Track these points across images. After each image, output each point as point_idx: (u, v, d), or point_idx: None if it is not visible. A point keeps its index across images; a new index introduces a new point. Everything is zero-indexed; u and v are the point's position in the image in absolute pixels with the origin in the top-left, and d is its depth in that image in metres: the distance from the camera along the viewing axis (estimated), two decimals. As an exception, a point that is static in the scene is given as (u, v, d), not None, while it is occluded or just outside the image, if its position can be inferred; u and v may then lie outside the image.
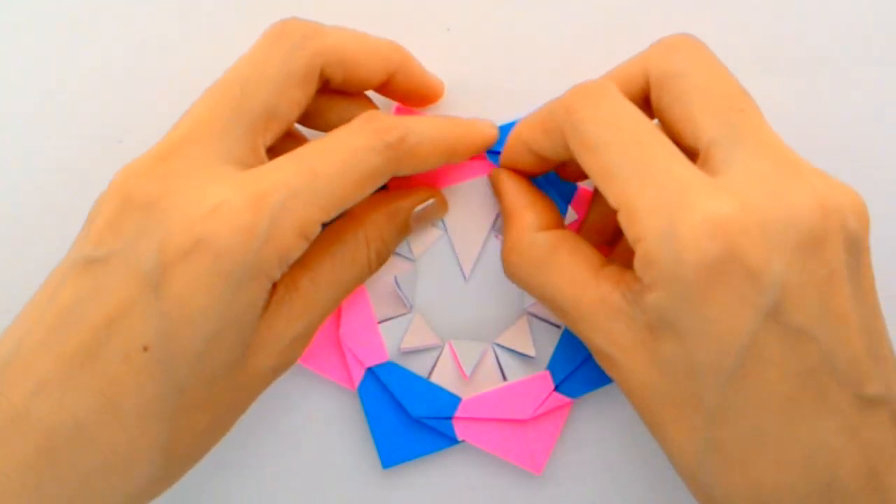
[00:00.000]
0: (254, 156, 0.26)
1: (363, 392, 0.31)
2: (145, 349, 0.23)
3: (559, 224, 0.28)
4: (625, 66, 0.27)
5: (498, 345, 0.31)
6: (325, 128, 0.29)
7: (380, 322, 0.31)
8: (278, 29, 0.26)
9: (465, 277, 0.32)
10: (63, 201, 0.31)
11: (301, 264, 0.26)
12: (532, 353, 0.31)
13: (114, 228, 0.24)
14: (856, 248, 0.23)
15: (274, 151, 0.26)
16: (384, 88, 0.29)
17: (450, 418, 0.31)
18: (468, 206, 0.31)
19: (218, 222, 0.23)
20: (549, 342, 0.31)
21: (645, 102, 0.27)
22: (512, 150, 0.29)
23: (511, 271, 0.28)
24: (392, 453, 0.31)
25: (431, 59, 0.32)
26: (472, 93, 0.32)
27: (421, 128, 0.27)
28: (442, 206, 0.31)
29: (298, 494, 0.31)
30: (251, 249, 0.23)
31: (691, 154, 0.25)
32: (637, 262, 0.24)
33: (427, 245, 0.32)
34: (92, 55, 0.32)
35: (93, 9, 0.32)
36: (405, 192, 0.30)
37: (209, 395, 0.24)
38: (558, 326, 0.31)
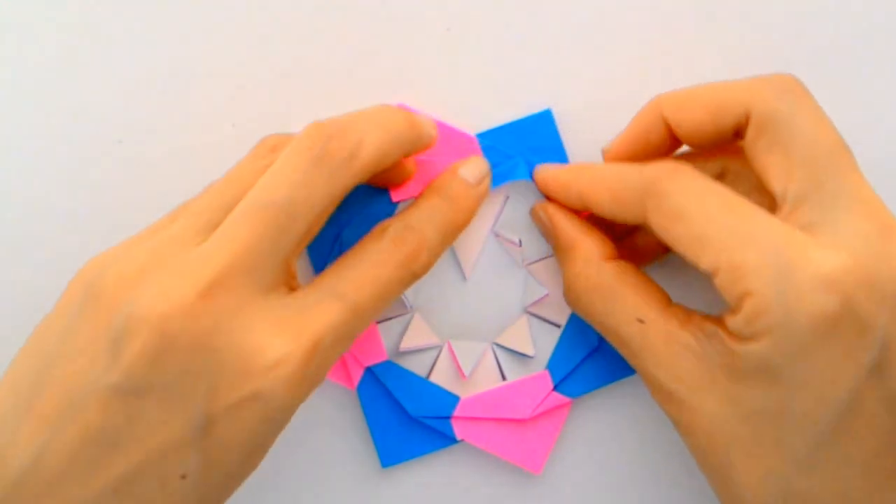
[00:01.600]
0: (289, 273, 0.25)
1: (362, 391, 0.31)
2: (183, 477, 0.23)
3: (616, 254, 0.29)
4: (721, 91, 0.27)
5: (497, 344, 0.31)
6: None
7: (379, 322, 0.31)
8: (320, 145, 0.25)
9: (464, 277, 0.32)
10: (63, 201, 0.31)
11: (338, 295, 0.26)
12: (531, 352, 0.31)
13: (154, 364, 0.23)
14: None
15: None
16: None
17: (449, 418, 0.31)
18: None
19: (275, 377, 0.23)
20: (548, 342, 0.31)
21: (734, 135, 0.27)
22: (570, 202, 0.29)
23: (573, 299, 0.29)
24: (391, 453, 0.31)
25: (431, 58, 0.32)
26: (472, 93, 0.32)
27: (434, 236, 0.27)
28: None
29: (297, 494, 0.31)
30: (300, 395, 0.24)
31: (772, 202, 0.25)
32: (743, 317, 0.24)
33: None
34: (92, 55, 0.32)
35: (93, 8, 0.32)
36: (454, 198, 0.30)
37: (228, 494, 0.25)
38: (558, 326, 0.31)
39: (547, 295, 0.31)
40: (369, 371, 0.31)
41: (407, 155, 0.28)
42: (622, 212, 0.27)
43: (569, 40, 0.32)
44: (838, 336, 0.23)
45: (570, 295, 0.29)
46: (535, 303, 0.31)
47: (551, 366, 0.31)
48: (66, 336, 0.24)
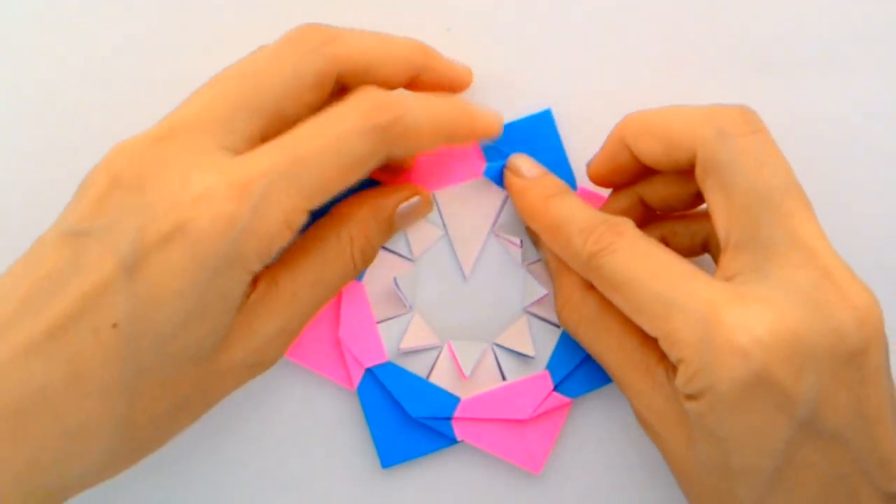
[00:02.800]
0: (249, 146, 0.25)
1: (362, 392, 0.31)
2: (114, 326, 0.23)
3: None
4: (673, 124, 0.26)
5: (497, 345, 0.31)
6: None
7: (379, 322, 0.31)
8: (298, 31, 0.26)
9: (464, 277, 0.32)
10: (63, 201, 0.31)
11: (283, 262, 0.26)
12: (531, 352, 0.31)
13: (100, 205, 0.24)
14: (886, 349, 0.24)
15: None
16: (410, 86, 0.28)
17: (449, 418, 0.31)
18: (468, 206, 0.31)
19: (199, 209, 0.23)
20: (548, 342, 0.31)
21: (690, 169, 0.27)
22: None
23: (563, 323, 0.30)
24: (391, 453, 0.31)
25: (431, 59, 0.32)
26: (472, 93, 0.31)
27: (420, 108, 0.26)
28: (427, 204, 0.30)
29: (297, 494, 0.31)
30: (230, 238, 0.23)
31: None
32: (680, 379, 0.25)
33: (427, 245, 0.32)
34: (92, 55, 0.32)
35: (93, 8, 0.32)
36: (390, 190, 0.29)
37: (173, 379, 0.24)
38: (558, 326, 0.31)
39: (547, 295, 0.31)
40: (369, 372, 0.31)
41: (413, 74, 0.28)
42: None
43: (569, 40, 0.32)
44: (762, 397, 0.23)
45: (560, 318, 0.30)
46: (535, 303, 0.31)
47: (551, 366, 0.31)
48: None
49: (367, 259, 0.29)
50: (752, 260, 0.25)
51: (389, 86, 0.27)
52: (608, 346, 0.28)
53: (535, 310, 0.31)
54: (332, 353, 0.31)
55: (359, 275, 0.29)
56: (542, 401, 0.31)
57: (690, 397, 0.24)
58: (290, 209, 0.24)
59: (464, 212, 0.31)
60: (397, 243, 0.31)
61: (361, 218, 0.28)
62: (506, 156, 0.31)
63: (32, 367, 0.23)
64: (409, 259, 0.32)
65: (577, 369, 0.31)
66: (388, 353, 0.31)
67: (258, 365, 0.26)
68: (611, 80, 0.32)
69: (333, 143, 0.24)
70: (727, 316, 0.23)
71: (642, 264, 0.25)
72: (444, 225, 0.31)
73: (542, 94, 0.32)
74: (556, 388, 0.31)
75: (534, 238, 0.31)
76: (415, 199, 0.30)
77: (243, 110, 0.25)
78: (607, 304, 0.27)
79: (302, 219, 0.25)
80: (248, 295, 0.25)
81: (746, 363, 0.23)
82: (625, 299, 0.26)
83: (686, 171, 0.27)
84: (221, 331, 0.24)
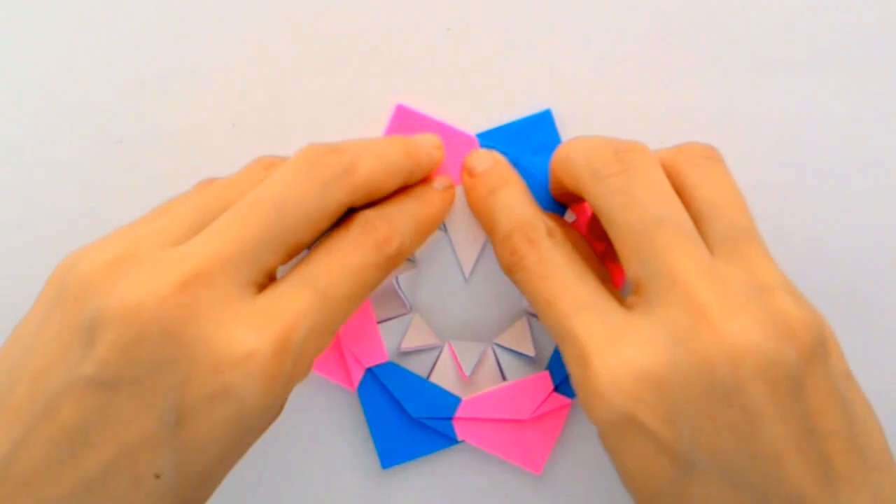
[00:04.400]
0: (268, 277, 0.25)
1: (363, 392, 0.31)
2: (157, 477, 0.23)
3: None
4: (571, 168, 0.27)
5: (498, 345, 0.31)
6: None
7: (379, 322, 0.31)
8: (316, 158, 0.25)
9: (465, 278, 0.32)
10: (63, 201, 0.31)
11: (308, 284, 0.26)
12: (532, 353, 0.31)
13: (126, 355, 0.22)
14: (789, 383, 0.22)
15: None
16: None
17: (450, 419, 0.31)
18: (468, 207, 0.31)
19: (246, 373, 0.23)
20: (548, 342, 0.31)
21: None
22: None
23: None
24: (391, 453, 0.31)
25: (431, 59, 0.32)
26: (472, 93, 0.32)
27: (407, 226, 0.27)
28: (450, 189, 0.31)
29: (297, 494, 0.31)
30: (275, 392, 0.23)
31: None
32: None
33: (427, 246, 0.32)
34: (92, 55, 0.32)
35: (93, 8, 0.32)
36: (426, 198, 0.30)
37: (207, 492, 0.25)
38: (558, 326, 0.31)
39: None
40: (370, 372, 0.31)
41: (404, 183, 0.28)
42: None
43: (569, 40, 0.32)
44: (637, 440, 0.23)
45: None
46: (535, 303, 0.31)
47: (552, 366, 0.31)
48: (39, 330, 0.24)
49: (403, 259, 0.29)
50: (645, 293, 0.24)
51: (382, 195, 0.27)
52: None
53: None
54: (332, 354, 0.31)
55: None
56: (543, 401, 0.31)
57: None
58: (320, 348, 0.25)
59: (464, 213, 0.31)
60: (398, 243, 0.32)
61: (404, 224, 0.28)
62: (505, 156, 0.31)
63: None
64: (410, 260, 0.32)
65: (578, 369, 0.31)
66: (388, 353, 0.31)
67: (297, 383, 0.26)
68: (611, 80, 0.32)
69: (357, 278, 0.25)
70: (596, 359, 0.23)
71: (544, 286, 0.26)
72: (445, 226, 0.32)
73: (542, 94, 0.32)
74: (556, 389, 0.31)
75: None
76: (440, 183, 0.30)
77: (268, 244, 0.24)
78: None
79: (325, 350, 0.25)
80: None
81: (612, 408, 0.23)
82: (538, 316, 0.26)
83: None
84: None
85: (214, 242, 0.24)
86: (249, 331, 0.23)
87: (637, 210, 0.25)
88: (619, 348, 0.23)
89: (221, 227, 0.24)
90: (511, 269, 0.27)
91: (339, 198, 0.25)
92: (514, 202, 0.28)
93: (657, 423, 0.23)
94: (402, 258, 0.27)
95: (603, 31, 0.32)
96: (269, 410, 0.24)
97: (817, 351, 0.23)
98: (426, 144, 0.29)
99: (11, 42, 0.32)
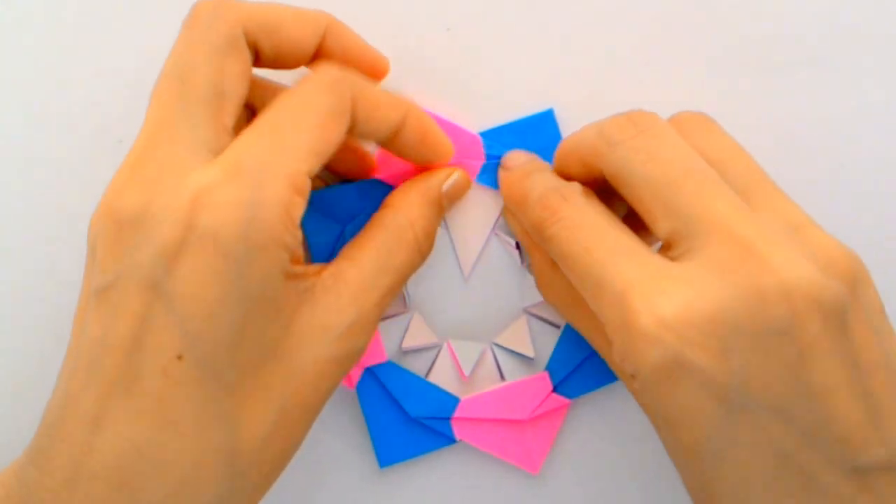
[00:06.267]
0: (224, 137, 0.25)
1: (361, 391, 0.31)
2: (179, 358, 0.23)
3: None
4: (582, 150, 0.27)
5: (497, 345, 0.31)
6: None
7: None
8: (191, 12, 0.26)
9: (464, 277, 0.32)
10: (63, 201, 0.31)
11: (346, 257, 0.27)
12: (531, 353, 0.31)
13: (113, 250, 0.23)
14: (839, 316, 0.22)
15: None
16: (319, 57, 0.28)
17: (448, 418, 0.31)
18: (469, 206, 0.31)
19: (202, 207, 0.23)
20: (548, 343, 0.31)
21: None
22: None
23: (545, 299, 0.30)
24: (389, 452, 0.31)
25: (431, 59, 0.31)
26: (472, 93, 0.31)
27: (362, 84, 0.26)
28: (466, 180, 0.31)
29: (295, 492, 0.32)
30: (245, 220, 0.23)
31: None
32: (615, 360, 0.25)
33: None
34: (92, 55, 0.32)
35: (93, 9, 0.32)
36: (432, 173, 0.30)
37: (261, 387, 0.24)
38: (557, 327, 0.31)
39: (547, 296, 0.31)
40: (369, 371, 0.31)
41: (323, 38, 0.28)
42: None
43: (571, 40, 0.32)
44: (685, 381, 0.22)
45: (542, 295, 0.31)
46: (534, 303, 0.31)
47: (551, 367, 0.31)
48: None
49: (431, 240, 0.29)
50: (683, 242, 0.24)
51: (300, 47, 0.27)
52: (579, 319, 0.28)
53: (534, 310, 0.31)
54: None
55: (426, 258, 0.29)
56: (542, 402, 0.31)
57: (628, 377, 0.24)
58: (290, 173, 0.24)
59: (465, 212, 0.31)
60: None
61: (414, 202, 0.29)
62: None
63: (121, 430, 0.23)
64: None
65: (577, 370, 0.31)
66: (387, 352, 0.31)
67: (345, 359, 0.26)
68: (612, 79, 0.32)
69: (301, 104, 0.25)
70: (638, 300, 0.23)
71: (581, 236, 0.25)
72: (445, 225, 0.31)
73: (543, 94, 0.31)
74: (555, 389, 0.31)
75: (508, 220, 0.31)
76: (455, 175, 0.30)
77: (189, 106, 0.25)
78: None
79: (306, 181, 0.24)
80: (312, 287, 0.25)
81: (659, 349, 0.22)
82: (568, 272, 0.26)
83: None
84: (281, 317, 0.24)
85: (147, 125, 0.25)
86: (197, 171, 0.23)
87: (661, 164, 0.25)
88: (664, 287, 0.23)
89: (149, 113, 0.25)
90: (544, 225, 0.27)
91: (223, 30, 0.25)
92: (550, 177, 0.28)
93: (708, 361, 0.22)
94: (365, 100, 0.26)
95: (605, 30, 0.32)
96: (247, 242, 0.23)
97: (857, 285, 0.23)
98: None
99: (12, 42, 0.32)
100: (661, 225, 0.24)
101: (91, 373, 0.23)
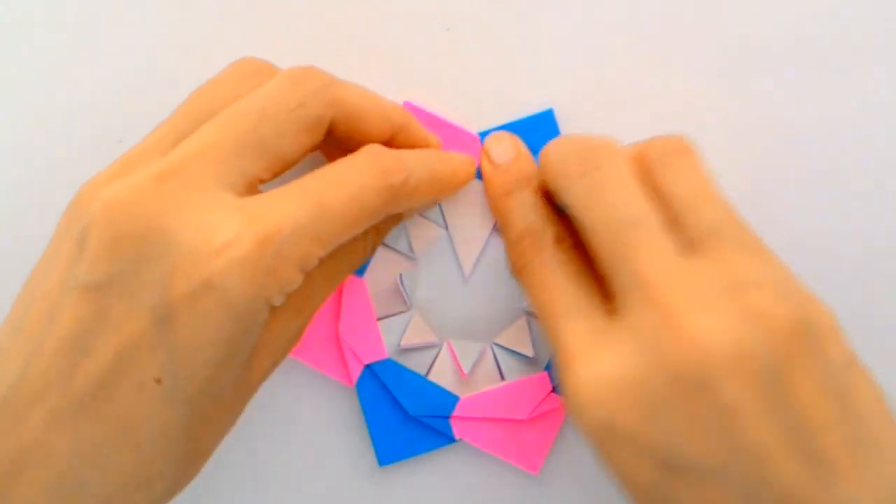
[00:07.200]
0: (250, 188, 0.25)
1: (361, 389, 0.31)
2: (158, 381, 0.23)
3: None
4: (545, 169, 0.27)
5: (496, 344, 0.31)
6: None
7: (379, 319, 0.31)
8: (299, 73, 0.26)
9: (464, 277, 0.32)
10: (63, 201, 0.31)
11: None
12: (531, 353, 0.31)
13: (111, 252, 0.23)
14: (768, 377, 0.22)
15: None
16: (388, 144, 0.28)
17: (447, 417, 0.31)
18: (469, 206, 0.31)
19: (227, 263, 0.23)
20: (547, 343, 0.31)
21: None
22: None
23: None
24: (389, 451, 0.31)
25: (431, 59, 0.31)
26: (472, 93, 0.31)
27: (419, 169, 0.27)
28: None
29: (294, 491, 0.32)
30: (257, 286, 0.23)
31: None
32: None
33: (428, 244, 0.32)
34: (92, 55, 0.32)
35: (94, 9, 0.32)
36: None
37: (219, 405, 0.25)
38: (557, 327, 0.31)
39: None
40: (368, 368, 0.31)
41: (395, 133, 0.28)
42: None
43: (571, 40, 0.32)
44: (619, 445, 0.23)
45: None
46: (534, 303, 0.31)
47: (550, 367, 0.31)
48: (49, 255, 0.25)
49: (376, 247, 0.30)
50: (618, 297, 0.24)
51: (370, 137, 0.27)
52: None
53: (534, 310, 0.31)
54: (331, 350, 0.31)
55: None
56: (541, 401, 0.31)
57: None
58: (307, 255, 0.24)
59: (465, 212, 0.31)
60: (399, 241, 0.32)
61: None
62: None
63: (81, 429, 0.23)
64: (410, 257, 0.32)
65: (576, 370, 0.31)
66: (387, 350, 0.31)
67: (280, 360, 0.27)
68: (612, 79, 0.32)
69: (355, 194, 0.25)
70: (579, 363, 0.24)
71: (543, 288, 0.26)
72: (446, 224, 0.32)
73: (543, 94, 0.31)
74: (554, 389, 0.31)
75: (490, 207, 0.31)
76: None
77: (246, 149, 0.24)
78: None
79: (314, 264, 0.25)
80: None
81: (595, 412, 0.23)
82: (534, 308, 0.27)
83: None
84: (251, 352, 0.25)
85: (192, 144, 0.24)
86: (230, 219, 0.23)
87: (602, 212, 0.24)
88: (594, 355, 0.23)
89: (200, 132, 0.25)
90: (517, 271, 0.28)
91: (319, 107, 0.26)
92: (529, 205, 0.28)
93: (636, 427, 0.23)
94: (409, 199, 0.27)
95: (605, 30, 0.32)
96: (255, 303, 0.23)
97: (800, 343, 0.22)
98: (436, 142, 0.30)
99: (12, 42, 0.32)
100: (602, 267, 0.25)
101: (58, 366, 0.23)
